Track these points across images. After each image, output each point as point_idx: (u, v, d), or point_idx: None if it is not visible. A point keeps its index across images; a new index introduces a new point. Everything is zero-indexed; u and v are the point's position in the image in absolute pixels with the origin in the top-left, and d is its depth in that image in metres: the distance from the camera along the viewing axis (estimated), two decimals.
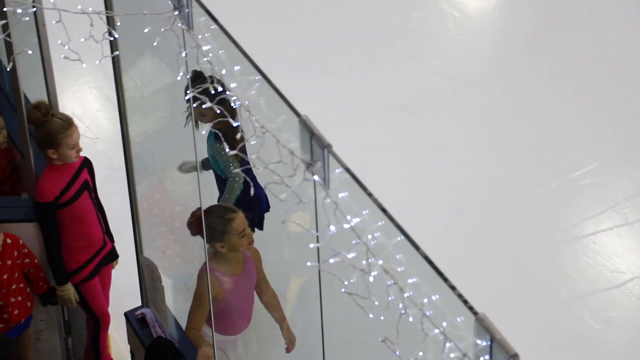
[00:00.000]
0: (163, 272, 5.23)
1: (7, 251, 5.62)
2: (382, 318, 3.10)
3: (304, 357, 4.98)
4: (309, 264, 3.47)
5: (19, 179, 6.28)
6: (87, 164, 5.79)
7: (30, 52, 3.89)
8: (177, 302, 5.50)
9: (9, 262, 5.61)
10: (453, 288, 2.85)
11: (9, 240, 5.63)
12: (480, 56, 8.97)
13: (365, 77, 8.66)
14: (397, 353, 3.04)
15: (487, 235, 7.31)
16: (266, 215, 5.78)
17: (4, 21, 3.65)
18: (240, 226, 5.04)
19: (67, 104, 8.24)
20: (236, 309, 5.23)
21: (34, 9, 3.39)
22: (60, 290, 5.67)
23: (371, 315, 3.16)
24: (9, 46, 5.44)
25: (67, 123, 5.53)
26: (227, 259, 5.11)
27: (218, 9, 3.86)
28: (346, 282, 3.25)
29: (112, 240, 5.89)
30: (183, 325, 5.27)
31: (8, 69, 5.83)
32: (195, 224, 5.10)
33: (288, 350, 5.29)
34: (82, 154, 5.75)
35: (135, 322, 5.31)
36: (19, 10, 3.33)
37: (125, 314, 5.40)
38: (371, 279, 3.12)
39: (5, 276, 5.59)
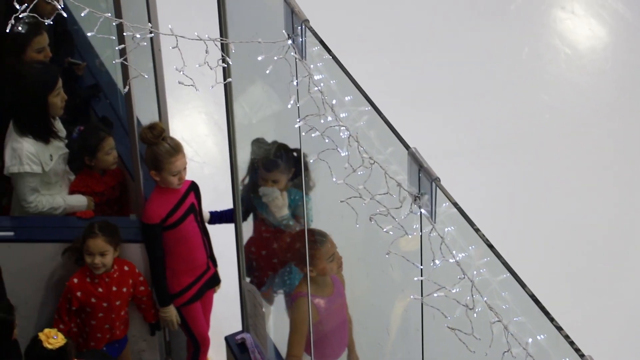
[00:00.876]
0: (264, 298, 5.26)
1: (123, 278, 5.71)
2: (485, 354, 3.07)
3: None
4: (412, 297, 3.46)
5: (127, 200, 6.38)
6: (194, 187, 5.86)
7: (146, 76, 3.96)
8: (277, 329, 5.52)
9: (125, 289, 5.70)
10: (560, 329, 2.81)
11: (126, 268, 5.72)
12: (593, 96, 8.85)
13: (473, 111, 8.61)
14: None
15: (596, 277, 7.19)
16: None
17: (122, 45, 3.73)
18: (330, 251, 5.04)
19: (177, 128, 8.36)
20: (332, 332, 5.22)
21: (152, 34, 3.45)
22: (162, 312, 5.73)
23: (474, 351, 3.13)
24: (125, 69, 5.56)
25: (174, 150, 5.60)
26: (317, 282, 5.12)
27: (331, 39, 3.89)
28: (449, 317, 3.22)
29: (215, 264, 5.94)
30: (282, 352, 5.29)
31: (124, 93, 5.95)
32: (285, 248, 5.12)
33: None
34: (189, 177, 5.82)
35: (235, 346, 5.34)
36: (138, 35, 3.40)
37: (226, 338, 5.44)
38: (475, 315, 3.10)
39: (117, 302, 5.69)
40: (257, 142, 5.33)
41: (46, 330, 4.96)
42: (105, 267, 5.61)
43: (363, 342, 5.44)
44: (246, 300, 5.30)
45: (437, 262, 3.27)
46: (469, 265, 3.17)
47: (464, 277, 3.15)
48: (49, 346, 4.89)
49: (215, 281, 5.91)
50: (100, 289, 5.62)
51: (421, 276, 3.41)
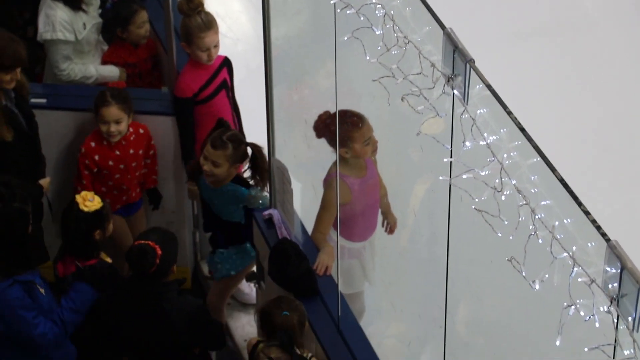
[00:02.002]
0: (293, 175, 5.27)
1: (139, 140, 5.78)
2: (510, 238, 3.08)
3: (428, 271, 4.99)
4: (441, 178, 3.46)
5: (160, 73, 6.38)
6: (227, 63, 5.84)
7: None
8: (304, 206, 5.56)
9: (141, 151, 5.79)
10: (587, 213, 2.81)
11: (141, 131, 5.79)
12: None
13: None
14: (523, 274, 3.03)
15: (633, 170, 7.16)
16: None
17: None
18: (367, 134, 5.03)
19: (212, 3, 8.30)
20: (363, 214, 5.26)
21: None
22: (190, 184, 5.77)
23: (500, 234, 3.15)
24: None
25: (206, 26, 5.57)
26: (351, 164, 5.12)
27: None
28: (476, 199, 3.23)
29: None
30: (309, 229, 5.33)
31: None
32: (320, 127, 5.12)
33: (392, 230, 5.37)
34: (222, 53, 5.79)
35: (262, 222, 5.38)
36: None
37: (253, 213, 5.47)
38: (503, 197, 3.10)
39: (134, 164, 5.78)
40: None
41: (83, 193, 5.02)
42: (121, 134, 5.66)
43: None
44: (274, 176, 5.32)
45: (467, 144, 3.27)
46: (499, 148, 3.17)
47: (494, 160, 3.15)
48: (85, 209, 4.96)
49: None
50: (117, 152, 5.70)
51: (450, 157, 3.41)
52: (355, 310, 5.13)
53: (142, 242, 4.72)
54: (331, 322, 4.86)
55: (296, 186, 5.32)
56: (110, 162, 5.72)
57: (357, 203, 5.19)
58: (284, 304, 4.61)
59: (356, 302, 5.38)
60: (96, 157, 5.68)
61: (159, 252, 4.69)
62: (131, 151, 5.75)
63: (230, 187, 5.45)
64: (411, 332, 5.37)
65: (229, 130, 5.40)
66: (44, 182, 5.52)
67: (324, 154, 5.15)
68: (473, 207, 3.21)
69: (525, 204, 3.00)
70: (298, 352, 4.48)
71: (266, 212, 5.39)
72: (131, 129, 5.74)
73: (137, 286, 4.81)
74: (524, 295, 3.09)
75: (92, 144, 5.70)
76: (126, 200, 5.90)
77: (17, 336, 4.73)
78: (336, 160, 4.91)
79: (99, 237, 5.00)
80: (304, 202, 5.62)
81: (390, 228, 5.40)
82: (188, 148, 5.84)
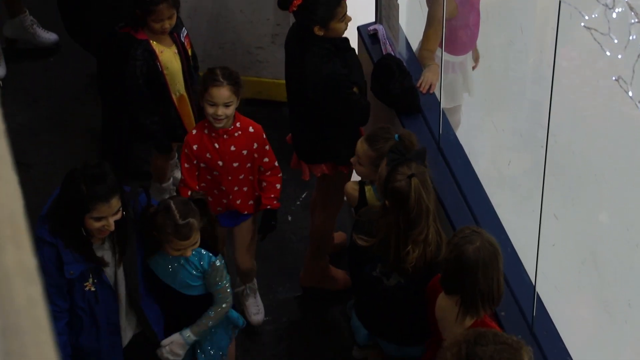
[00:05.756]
0: None
1: (245, 139, 4.98)
2: (619, 57, 3.04)
3: (532, 91, 4.97)
4: None
5: None
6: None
7: None
8: (410, 23, 5.51)
9: (245, 152, 4.97)
10: None
11: (251, 129, 4.98)
12: None
13: None
14: (630, 94, 2.99)
15: None
16: None
17: None
18: None
19: None
20: (467, 26, 5.23)
21: None
22: None
23: (608, 53, 3.10)
24: None
25: None
26: None
27: None
28: (587, 17, 3.18)
29: None
30: (413, 46, 5.30)
31: None
32: None
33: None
34: None
35: (367, 37, 5.36)
36: None
37: (358, 28, 5.45)
38: (614, 15, 3.04)
39: (235, 164, 5.01)
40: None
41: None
42: (228, 120, 4.91)
43: None
44: None
45: None
46: None
47: None
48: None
49: None
50: (216, 145, 4.97)
51: None
52: (453, 123, 5.16)
53: None
54: (432, 139, 4.89)
55: (402, 1, 5.26)
56: (208, 155, 4.99)
57: (462, 16, 5.15)
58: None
59: (455, 114, 5.41)
60: (194, 147, 4.99)
61: None
62: (232, 148, 4.95)
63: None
64: (511, 151, 5.39)
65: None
66: None
67: None
68: (582, 24, 3.16)
69: (638, 22, 2.94)
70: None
71: (371, 27, 5.36)
72: (239, 124, 4.97)
73: None
74: (628, 118, 3.06)
75: (194, 131, 5.03)
76: (227, 206, 5.13)
77: None
78: None
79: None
80: (410, 18, 5.57)
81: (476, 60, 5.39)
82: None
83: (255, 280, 5.44)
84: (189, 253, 4.37)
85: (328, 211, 5.38)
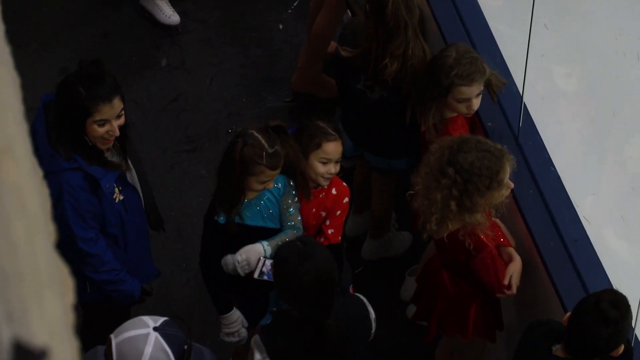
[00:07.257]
0: None
1: (327, 200, 4.48)
2: None
3: None
4: None
5: None
6: None
7: None
8: None
9: (323, 213, 4.48)
10: None
11: (334, 191, 4.48)
12: None
13: None
14: None
15: None
16: None
17: None
18: None
19: None
20: None
21: None
22: None
23: None
24: None
25: None
26: None
27: None
28: None
29: None
30: None
31: None
32: None
33: None
34: None
35: None
36: None
37: None
38: None
39: (313, 222, 4.50)
40: None
41: None
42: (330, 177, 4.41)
43: None
44: None
45: None
46: None
47: None
48: None
49: None
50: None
51: None
52: None
53: None
54: None
55: None
56: None
57: None
58: None
59: None
60: None
61: None
62: (314, 210, 4.45)
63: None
64: None
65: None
66: None
67: None
68: None
69: None
70: None
71: None
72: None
73: None
74: None
75: None
76: None
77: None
78: None
79: None
80: None
81: None
82: None
83: None
84: (271, 185, 4.15)
85: (332, 15, 5.34)
